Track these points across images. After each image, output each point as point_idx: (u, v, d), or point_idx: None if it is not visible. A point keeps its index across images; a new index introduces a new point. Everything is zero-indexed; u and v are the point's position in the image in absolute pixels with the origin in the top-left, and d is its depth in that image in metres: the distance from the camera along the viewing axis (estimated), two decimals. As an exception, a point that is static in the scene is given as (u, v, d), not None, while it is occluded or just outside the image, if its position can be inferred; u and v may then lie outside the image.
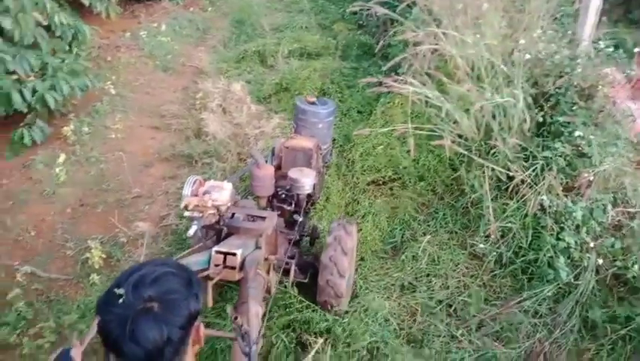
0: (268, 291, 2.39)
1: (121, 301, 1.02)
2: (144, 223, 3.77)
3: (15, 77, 4.35)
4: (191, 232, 2.31)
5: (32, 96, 4.29)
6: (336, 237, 2.77)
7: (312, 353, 2.48)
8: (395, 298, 3.13)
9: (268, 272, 2.38)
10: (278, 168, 3.07)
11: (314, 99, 3.18)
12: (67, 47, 5.24)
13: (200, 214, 2.30)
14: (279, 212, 2.92)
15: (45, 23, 4.96)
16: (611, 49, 3.73)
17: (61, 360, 1.24)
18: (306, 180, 2.81)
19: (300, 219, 3.02)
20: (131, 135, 4.86)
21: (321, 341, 2.52)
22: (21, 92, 4.21)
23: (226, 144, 4.53)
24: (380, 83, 3.35)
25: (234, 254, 2.12)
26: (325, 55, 6.16)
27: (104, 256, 3.33)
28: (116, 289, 1.03)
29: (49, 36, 5.00)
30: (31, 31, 4.69)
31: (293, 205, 3.01)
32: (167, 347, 1.02)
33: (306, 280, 2.89)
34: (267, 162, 3.08)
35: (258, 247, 2.31)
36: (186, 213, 2.35)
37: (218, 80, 5.42)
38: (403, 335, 2.89)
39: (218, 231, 2.44)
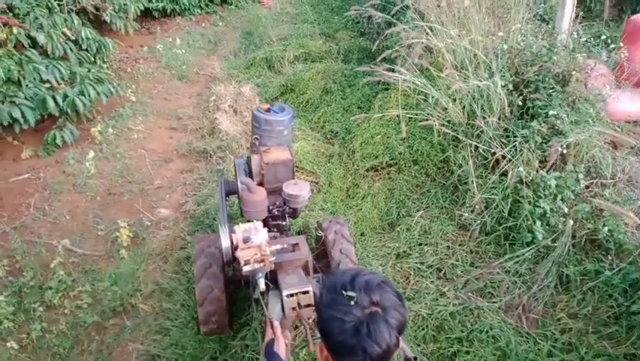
0: None
1: (353, 302, 1.07)
2: (165, 209, 4.21)
3: (48, 85, 4.87)
4: (262, 285, 2.12)
5: (63, 101, 4.78)
6: (336, 231, 2.92)
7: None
8: (391, 264, 3.48)
9: None
10: (259, 185, 2.90)
11: (267, 106, 3.01)
12: (92, 59, 5.79)
13: (262, 264, 2.18)
14: (275, 229, 2.95)
15: (73, 38, 5.54)
16: (584, 39, 4.10)
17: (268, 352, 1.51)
18: (303, 193, 2.76)
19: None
20: (151, 135, 5.34)
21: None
22: (54, 98, 4.71)
23: (238, 139, 4.97)
24: (373, 73, 3.74)
25: (307, 292, 2.06)
26: (328, 59, 6.61)
27: (131, 235, 3.75)
28: (344, 292, 1.09)
29: (77, 49, 5.57)
30: (62, 44, 5.25)
31: (287, 219, 3.00)
32: (392, 349, 1.08)
33: None
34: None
35: (307, 274, 2.30)
36: (247, 269, 2.13)
37: (230, 85, 5.89)
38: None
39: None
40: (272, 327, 1.75)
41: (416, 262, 3.45)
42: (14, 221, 3.85)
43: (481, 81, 3.79)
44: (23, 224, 3.85)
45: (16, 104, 4.45)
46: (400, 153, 4.34)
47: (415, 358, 1.39)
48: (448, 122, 4.03)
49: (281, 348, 1.62)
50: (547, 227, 3.34)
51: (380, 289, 1.11)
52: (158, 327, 3.03)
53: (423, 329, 2.95)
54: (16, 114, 4.42)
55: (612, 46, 4.29)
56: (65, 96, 4.82)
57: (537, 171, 3.48)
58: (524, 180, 3.42)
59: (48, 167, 4.60)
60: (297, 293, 2.08)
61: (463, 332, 2.89)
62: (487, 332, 2.83)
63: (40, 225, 3.86)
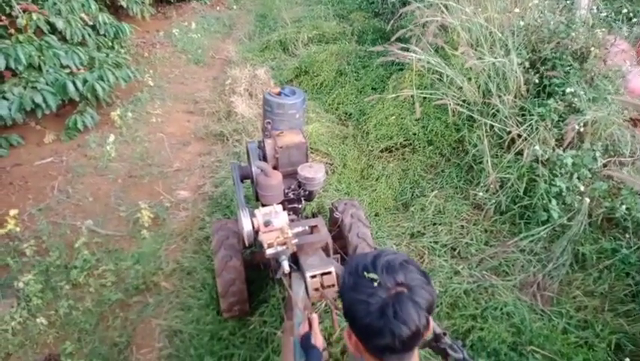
0: None
1: (376, 284, 1.05)
2: (184, 191, 4.30)
3: (68, 70, 4.97)
4: (287, 267, 2.17)
5: (83, 86, 4.87)
6: (352, 214, 2.93)
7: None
8: (405, 243, 3.51)
9: None
10: (274, 168, 2.90)
11: (278, 90, 2.94)
12: (110, 44, 5.86)
13: (285, 246, 2.22)
14: (291, 212, 2.96)
15: (91, 23, 5.61)
16: (604, 14, 4.00)
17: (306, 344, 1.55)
18: (319, 175, 2.76)
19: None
20: (169, 119, 5.42)
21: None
22: (74, 83, 4.80)
23: (253, 122, 5.02)
24: (387, 53, 3.72)
25: (330, 272, 2.09)
26: (342, 40, 6.57)
27: (152, 216, 3.84)
28: (366, 273, 1.06)
29: (95, 34, 5.64)
30: (80, 30, 5.33)
31: (303, 201, 3.03)
32: (422, 330, 1.04)
33: None
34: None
35: (327, 255, 2.35)
36: (270, 252, 2.18)
37: (245, 68, 5.92)
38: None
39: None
40: (309, 320, 1.73)
41: (430, 242, 3.48)
42: (39, 203, 3.99)
43: (496, 59, 3.75)
44: (48, 206, 3.98)
45: (37, 89, 4.56)
46: (415, 134, 4.34)
47: (445, 333, 1.43)
48: (463, 101, 4.00)
49: (318, 341, 1.63)
50: (563, 206, 3.33)
51: (403, 268, 1.08)
52: (179, 304, 3.14)
53: (437, 306, 2.99)
54: (38, 99, 4.52)
55: (634, 20, 4.19)
56: (85, 81, 4.91)
57: (553, 150, 3.45)
58: (540, 159, 3.40)
59: (70, 151, 4.72)
60: (319, 274, 2.12)
61: (477, 309, 2.92)
62: (501, 309, 2.86)
63: (64, 206, 3.98)
